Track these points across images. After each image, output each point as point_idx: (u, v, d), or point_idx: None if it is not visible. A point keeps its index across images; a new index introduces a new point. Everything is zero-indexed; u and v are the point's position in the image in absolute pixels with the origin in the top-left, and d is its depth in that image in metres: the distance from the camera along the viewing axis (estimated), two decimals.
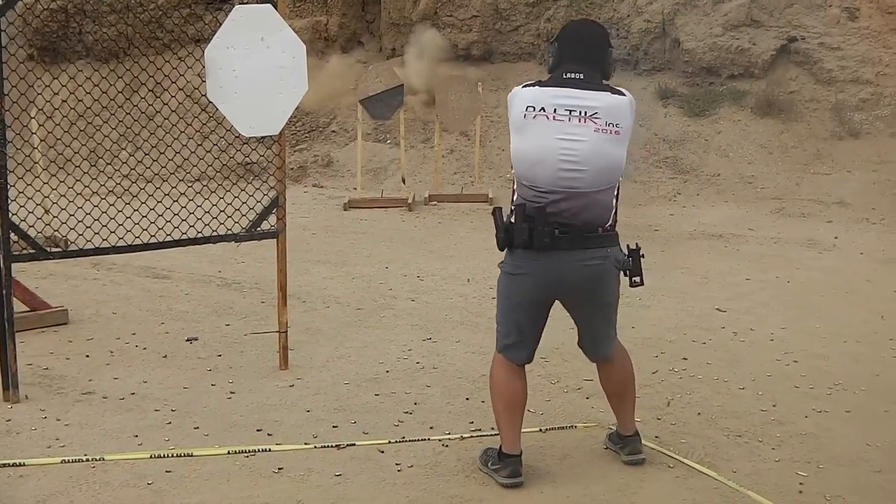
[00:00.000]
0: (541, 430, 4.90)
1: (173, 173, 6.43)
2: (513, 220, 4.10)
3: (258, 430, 4.90)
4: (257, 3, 5.56)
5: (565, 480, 4.34)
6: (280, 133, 5.67)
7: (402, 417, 5.12)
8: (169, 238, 5.77)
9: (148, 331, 6.67)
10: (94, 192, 5.74)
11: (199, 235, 5.80)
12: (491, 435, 4.68)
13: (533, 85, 4.15)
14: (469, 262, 8.91)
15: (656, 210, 11.45)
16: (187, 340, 6.43)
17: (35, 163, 8.70)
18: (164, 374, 5.78)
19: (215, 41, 5.39)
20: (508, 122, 4.18)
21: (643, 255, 4.24)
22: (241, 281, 8.09)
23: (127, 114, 6.22)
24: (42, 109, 6.40)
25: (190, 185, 6.72)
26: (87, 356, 6.08)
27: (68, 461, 4.49)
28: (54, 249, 5.81)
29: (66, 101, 6.78)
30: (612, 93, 4.08)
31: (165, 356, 6.11)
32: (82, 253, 5.62)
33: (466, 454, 4.60)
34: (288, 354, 5.88)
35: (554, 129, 3.99)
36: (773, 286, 8.09)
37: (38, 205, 5.63)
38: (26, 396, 5.32)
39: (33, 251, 5.41)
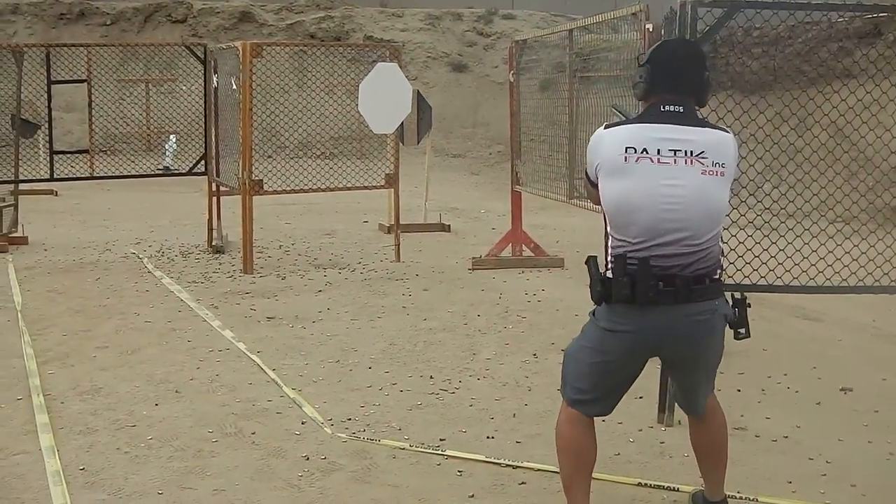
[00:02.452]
0: None
1: (815, 209, 6.25)
2: (610, 272, 3.74)
3: None
4: None
5: None
6: None
7: None
8: (811, 282, 5.73)
9: (800, 374, 6.59)
10: (740, 228, 5.73)
11: (843, 283, 5.68)
12: None
13: (623, 123, 3.82)
14: None
15: None
16: (841, 390, 6.24)
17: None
18: (817, 421, 5.65)
19: None
20: (593, 165, 3.81)
21: (749, 305, 3.89)
22: None
23: (773, 145, 6.20)
24: None
25: (834, 225, 6.49)
26: (738, 390, 6.12)
27: None
28: None
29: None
30: (714, 128, 3.76)
31: (819, 403, 5.99)
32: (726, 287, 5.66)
33: None
34: None
35: (660, 173, 3.63)
36: None
37: None
38: (679, 422, 5.36)
39: None
